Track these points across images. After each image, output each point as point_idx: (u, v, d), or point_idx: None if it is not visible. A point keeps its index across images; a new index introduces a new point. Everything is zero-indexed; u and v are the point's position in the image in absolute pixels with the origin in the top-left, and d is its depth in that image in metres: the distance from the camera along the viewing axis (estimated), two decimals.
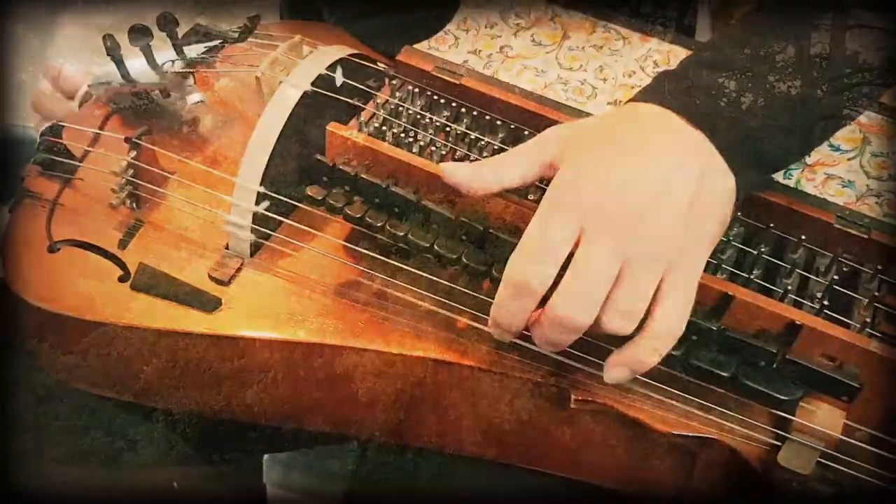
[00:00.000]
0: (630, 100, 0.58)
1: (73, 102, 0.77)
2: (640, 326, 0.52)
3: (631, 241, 0.49)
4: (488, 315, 0.60)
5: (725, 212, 0.54)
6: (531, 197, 0.60)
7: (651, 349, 0.52)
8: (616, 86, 0.70)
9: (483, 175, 0.57)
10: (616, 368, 0.54)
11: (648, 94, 0.57)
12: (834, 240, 0.63)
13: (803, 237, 0.60)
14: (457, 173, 0.57)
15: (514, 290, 0.51)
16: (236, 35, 0.77)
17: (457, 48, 0.72)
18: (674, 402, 0.61)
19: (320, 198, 0.63)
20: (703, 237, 0.52)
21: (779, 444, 0.59)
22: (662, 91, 0.57)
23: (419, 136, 0.64)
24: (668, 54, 0.72)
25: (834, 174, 0.65)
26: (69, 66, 0.79)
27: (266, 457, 1.11)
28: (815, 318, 0.56)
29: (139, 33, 0.73)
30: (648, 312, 0.51)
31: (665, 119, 0.54)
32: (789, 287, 0.57)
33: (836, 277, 0.59)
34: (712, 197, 0.53)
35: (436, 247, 0.61)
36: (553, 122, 0.67)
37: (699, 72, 0.57)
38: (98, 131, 0.75)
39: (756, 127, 0.55)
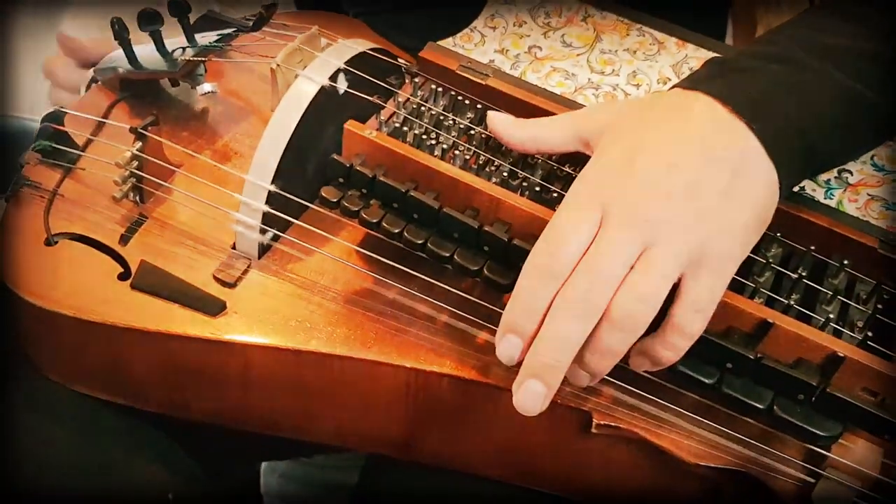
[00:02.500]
0: (675, 85, 0.56)
1: (88, 72, 0.74)
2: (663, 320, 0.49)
3: (650, 228, 0.47)
4: None
5: (765, 205, 0.52)
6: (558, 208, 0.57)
7: (669, 343, 0.50)
8: (650, 93, 0.67)
9: (519, 131, 0.59)
10: (636, 357, 0.51)
11: (694, 81, 0.55)
12: (876, 265, 0.59)
13: (846, 262, 0.56)
14: (497, 122, 0.60)
15: (535, 274, 0.48)
16: (250, 24, 0.73)
17: (483, 46, 0.69)
18: (701, 431, 0.57)
19: (335, 200, 0.60)
20: (734, 230, 0.49)
21: (811, 479, 0.55)
22: (708, 78, 0.55)
23: (441, 139, 0.60)
24: (701, 61, 0.68)
25: (877, 195, 0.62)
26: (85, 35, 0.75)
27: (264, 465, 1.08)
28: (858, 349, 0.52)
29: (149, 18, 0.69)
30: (670, 306, 0.48)
31: (707, 107, 0.52)
32: (831, 315, 0.54)
33: (879, 306, 0.55)
34: (749, 189, 0.51)
35: (456, 257, 0.57)
36: None
37: (748, 60, 0.56)
38: (102, 119, 0.71)
39: (802, 118, 0.53)
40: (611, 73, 0.68)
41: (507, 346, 0.48)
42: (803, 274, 0.57)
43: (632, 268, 0.47)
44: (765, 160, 0.51)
